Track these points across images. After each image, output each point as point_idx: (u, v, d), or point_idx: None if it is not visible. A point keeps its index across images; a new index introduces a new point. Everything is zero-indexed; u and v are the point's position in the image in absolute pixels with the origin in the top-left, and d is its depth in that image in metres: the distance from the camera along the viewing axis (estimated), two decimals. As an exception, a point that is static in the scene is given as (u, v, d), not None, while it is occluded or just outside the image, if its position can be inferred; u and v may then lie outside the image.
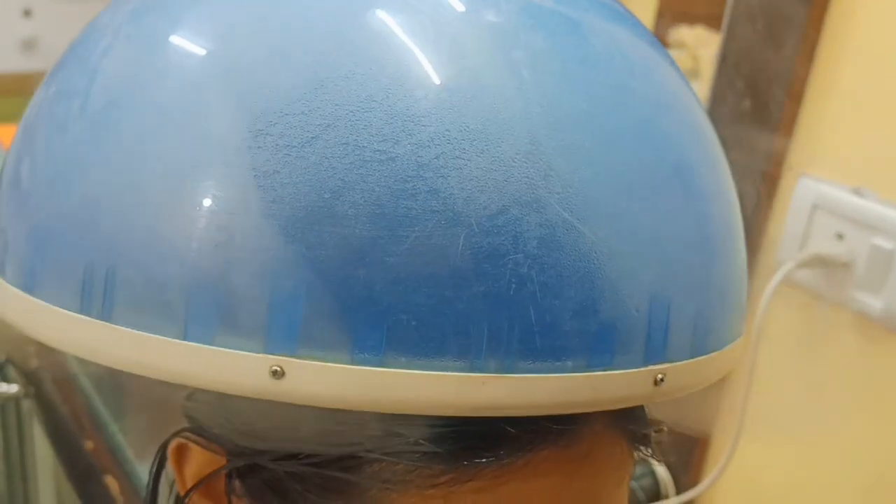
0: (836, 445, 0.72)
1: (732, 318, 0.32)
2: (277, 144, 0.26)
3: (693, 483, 0.82)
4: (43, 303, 0.29)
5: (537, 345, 0.26)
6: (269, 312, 0.26)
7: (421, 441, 0.28)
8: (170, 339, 0.26)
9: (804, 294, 0.72)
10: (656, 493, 0.84)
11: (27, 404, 1.00)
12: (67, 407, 0.91)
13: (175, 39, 0.29)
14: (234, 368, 0.26)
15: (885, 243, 0.65)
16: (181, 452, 0.33)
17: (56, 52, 0.34)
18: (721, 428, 0.80)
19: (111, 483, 0.81)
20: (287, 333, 0.26)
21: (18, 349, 0.97)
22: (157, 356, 0.27)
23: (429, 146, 0.26)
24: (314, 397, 0.26)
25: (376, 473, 0.29)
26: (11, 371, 1.00)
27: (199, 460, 0.32)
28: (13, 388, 0.97)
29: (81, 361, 0.29)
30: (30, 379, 0.96)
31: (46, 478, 1.03)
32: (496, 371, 0.26)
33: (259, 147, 0.26)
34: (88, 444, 0.85)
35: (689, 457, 0.83)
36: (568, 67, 0.29)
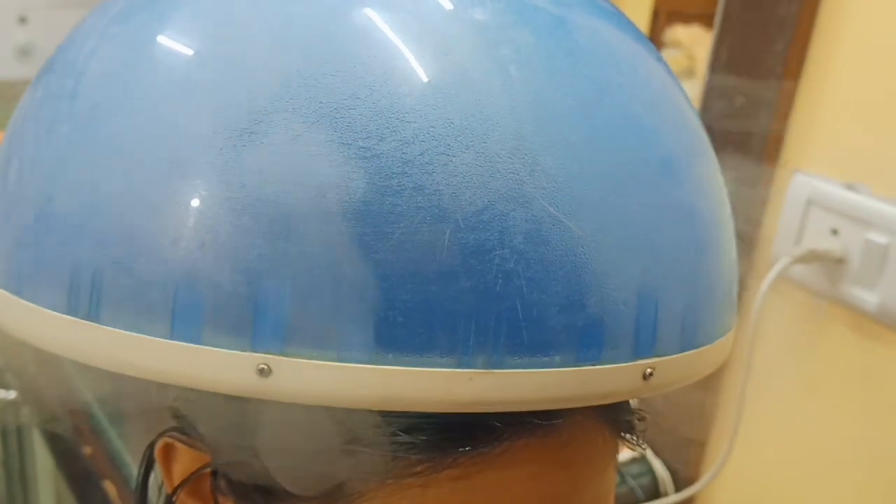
0: (832, 440, 0.72)
1: (722, 313, 0.32)
2: (262, 143, 0.26)
3: (691, 480, 0.82)
4: (31, 304, 0.29)
5: (524, 340, 0.26)
6: (256, 310, 0.26)
7: (398, 432, 0.28)
8: (157, 338, 0.26)
9: (799, 289, 0.72)
10: (655, 490, 0.84)
11: (26, 410, 1.00)
12: (66, 412, 0.91)
13: (160, 40, 0.29)
14: (221, 367, 0.26)
15: (879, 238, 0.65)
16: (168, 452, 0.33)
17: (52, 61, 0.34)
18: (718, 424, 0.80)
19: (109, 488, 0.81)
20: (274, 331, 0.26)
21: (16, 355, 0.97)
22: (144, 356, 0.27)
23: (414, 143, 0.26)
24: (301, 395, 0.26)
25: (355, 465, 0.29)
26: (10, 377, 1.00)
27: (186, 459, 0.32)
28: (11, 395, 0.97)
29: (77, 365, 0.29)
30: (28, 385, 0.96)
31: (45, 483, 1.03)
32: (484, 367, 0.26)
33: (244, 146, 0.26)
34: (87, 450, 0.86)
35: (686, 454, 0.83)
36: (554, 63, 0.29)
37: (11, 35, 1.86)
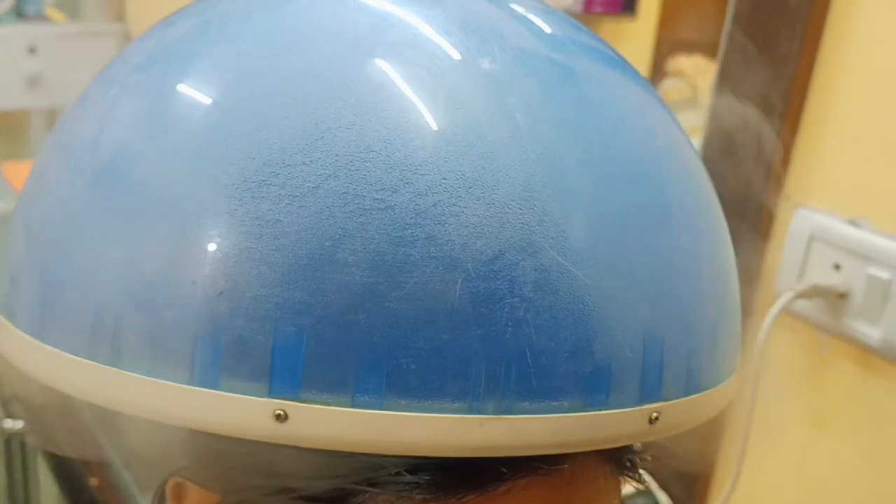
0: (836, 474, 0.73)
1: (727, 355, 0.33)
2: (280, 194, 0.27)
3: (697, 514, 0.82)
4: (52, 349, 0.30)
5: (534, 386, 0.27)
6: (273, 357, 0.26)
7: (403, 472, 0.28)
8: (176, 383, 0.27)
9: (803, 324, 0.73)
10: (660, 524, 0.84)
11: (32, 440, 1.01)
12: (72, 443, 0.91)
13: (180, 91, 0.30)
14: (239, 412, 0.27)
15: (881, 273, 0.66)
16: (179, 491, 0.34)
17: (61, 89, 0.35)
18: (723, 457, 0.80)
19: (116, 519, 0.81)
20: (290, 377, 0.26)
21: (24, 385, 0.97)
22: (163, 401, 0.27)
23: (426, 194, 0.27)
24: (316, 440, 0.27)
25: None
26: (17, 407, 1.00)
27: (197, 498, 0.33)
28: (19, 425, 0.97)
29: (88, 404, 0.30)
30: (35, 415, 0.96)
31: (51, 514, 1.03)
32: (494, 412, 0.27)
33: (262, 197, 0.27)
34: (93, 481, 0.86)
35: (692, 488, 0.83)
36: (561, 114, 0.30)
37: (21, 65, 1.88)
